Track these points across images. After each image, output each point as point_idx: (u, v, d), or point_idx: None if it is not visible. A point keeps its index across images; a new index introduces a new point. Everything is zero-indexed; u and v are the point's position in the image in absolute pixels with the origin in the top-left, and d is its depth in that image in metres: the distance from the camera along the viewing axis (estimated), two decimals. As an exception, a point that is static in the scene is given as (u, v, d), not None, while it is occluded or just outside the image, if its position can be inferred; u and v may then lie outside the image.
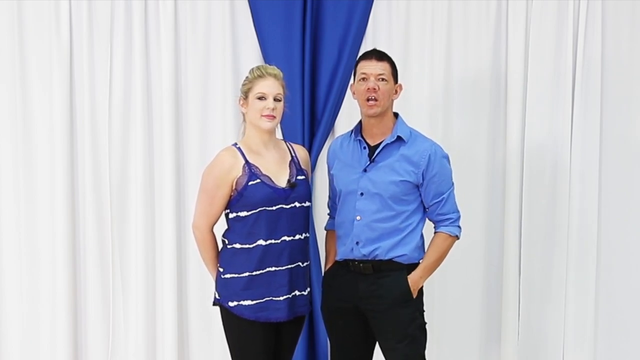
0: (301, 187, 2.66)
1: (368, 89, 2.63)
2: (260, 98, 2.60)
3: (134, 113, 3.48)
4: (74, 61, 3.47)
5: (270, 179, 2.60)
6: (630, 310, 3.60)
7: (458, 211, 2.74)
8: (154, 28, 3.47)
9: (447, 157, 2.72)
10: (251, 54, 3.48)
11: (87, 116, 3.48)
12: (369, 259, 2.66)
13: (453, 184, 2.73)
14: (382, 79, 2.64)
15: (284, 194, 2.60)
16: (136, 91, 3.46)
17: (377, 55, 2.70)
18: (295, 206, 2.63)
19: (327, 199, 2.97)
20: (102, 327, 3.57)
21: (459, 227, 2.74)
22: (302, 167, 2.73)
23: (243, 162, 2.60)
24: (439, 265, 2.74)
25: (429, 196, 2.67)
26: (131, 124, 3.49)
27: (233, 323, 2.64)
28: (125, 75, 3.47)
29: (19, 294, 3.54)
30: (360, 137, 2.73)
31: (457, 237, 2.75)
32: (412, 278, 2.68)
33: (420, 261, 2.72)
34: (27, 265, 3.52)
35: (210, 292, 2.74)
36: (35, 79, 3.47)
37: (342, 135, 2.88)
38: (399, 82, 2.74)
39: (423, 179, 2.64)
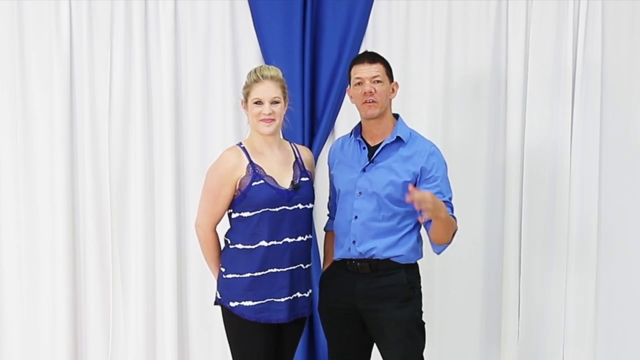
0: (305, 189, 2.65)
1: (365, 92, 2.61)
2: (257, 103, 2.59)
3: (134, 113, 3.47)
4: (74, 61, 3.46)
5: (274, 180, 2.59)
6: (630, 309, 3.60)
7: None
8: (154, 28, 3.47)
9: (444, 164, 2.68)
10: (251, 54, 3.47)
11: (87, 116, 3.47)
12: (366, 257, 2.65)
13: (451, 191, 2.66)
14: (378, 81, 2.62)
15: (287, 196, 2.60)
16: (136, 91, 3.46)
17: (369, 57, 2.68)
18: (298, 208, 2.62)
19: (326, 199, 2.95)
20: (102, 327, 3.57)
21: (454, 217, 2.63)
22: (306, 168, 2.73)
23: (247, 162, 2.60)
24: (445, 227, 2.55)
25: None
26: (131, 124, 3.49)
27: (234, 323, 2.64)
28: (125, 75, 3.47)
29: (19, 294, 3.54)
30: (360, 138, 2.72)
31: (456, 226, 2.61)
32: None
33: (418, 261, 2.71)
34: (27, 265, 3.52)
35: (211, 291, 2.74)
36: (35, 79, 3.46)
37: (344, 135, 2.88)
38: (395, 80, 2.72)
39: (420, 178, 2.62)
